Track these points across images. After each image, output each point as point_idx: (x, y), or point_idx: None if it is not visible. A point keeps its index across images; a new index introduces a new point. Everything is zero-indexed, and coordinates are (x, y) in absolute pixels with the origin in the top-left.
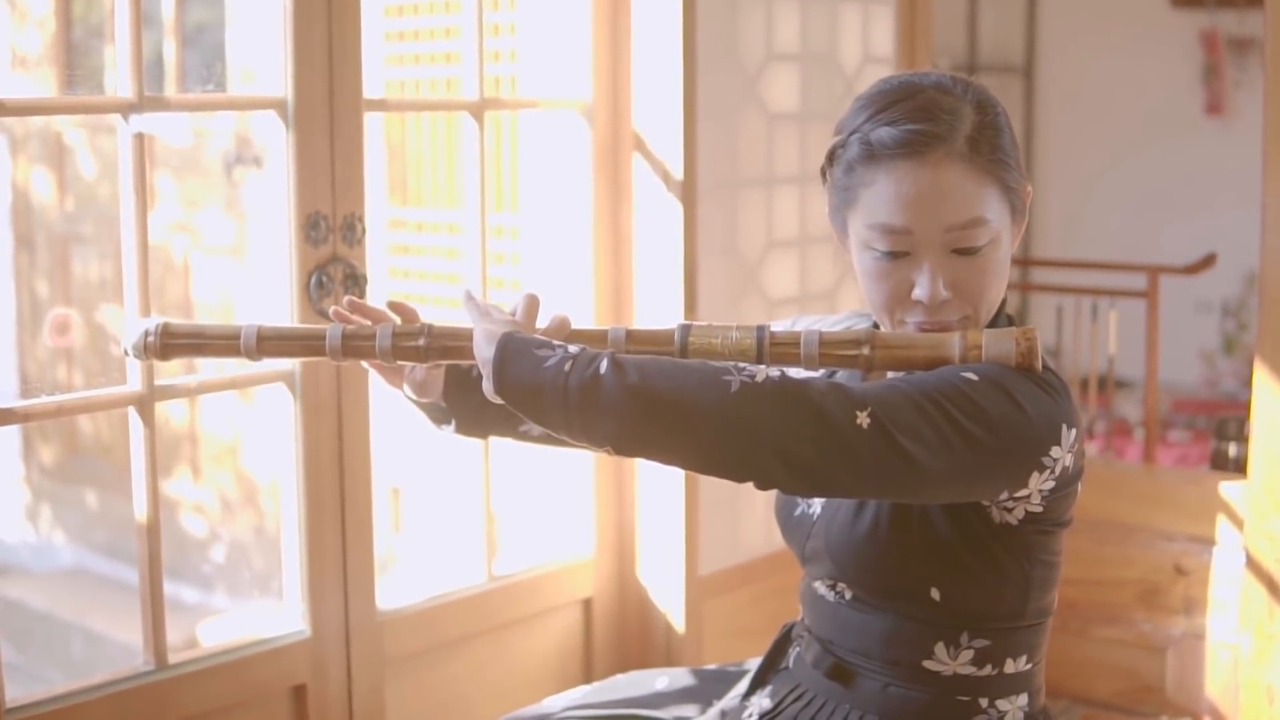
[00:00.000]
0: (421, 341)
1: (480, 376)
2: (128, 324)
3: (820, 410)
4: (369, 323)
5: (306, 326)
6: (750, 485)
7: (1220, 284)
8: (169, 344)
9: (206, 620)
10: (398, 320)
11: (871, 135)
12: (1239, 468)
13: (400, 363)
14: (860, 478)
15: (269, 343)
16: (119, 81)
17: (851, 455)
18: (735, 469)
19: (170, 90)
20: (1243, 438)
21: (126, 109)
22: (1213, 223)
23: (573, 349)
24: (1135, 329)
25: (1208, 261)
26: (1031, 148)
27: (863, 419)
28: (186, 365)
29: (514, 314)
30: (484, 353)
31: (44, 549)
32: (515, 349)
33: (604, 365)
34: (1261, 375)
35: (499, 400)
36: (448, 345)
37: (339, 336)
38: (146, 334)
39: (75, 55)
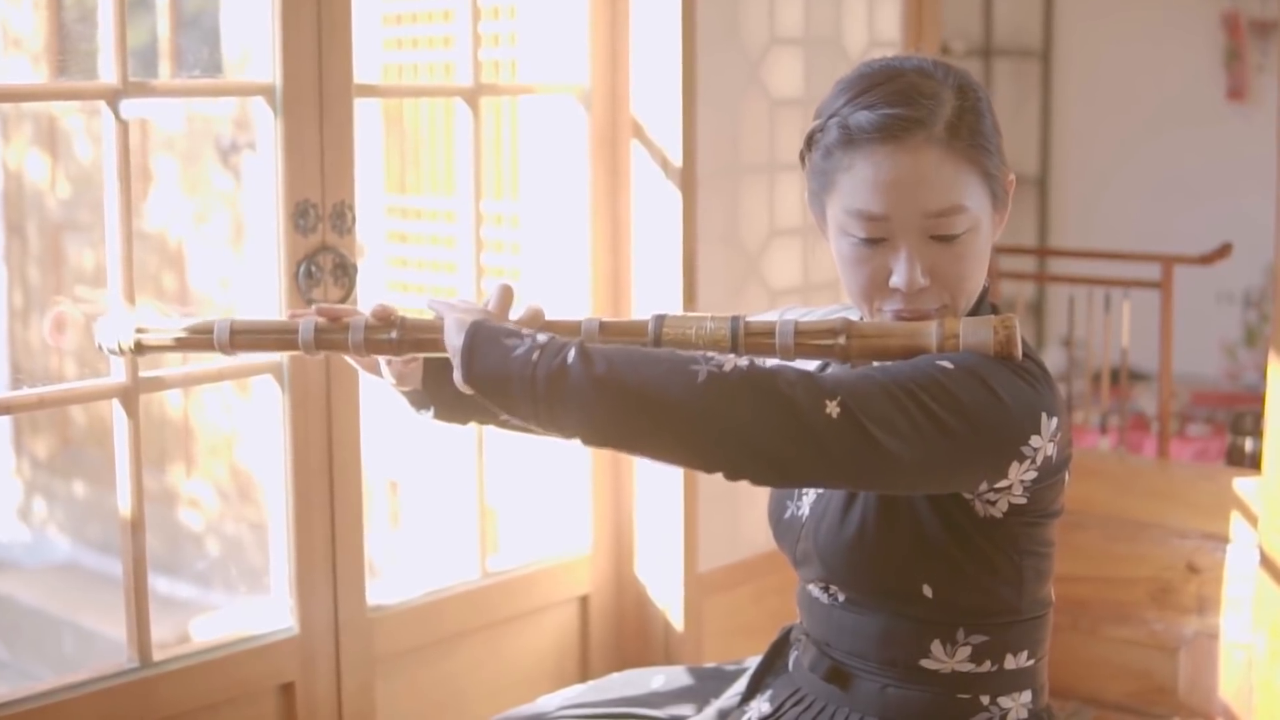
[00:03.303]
0: (394, 334)
1: None
2: (102, 321)
3: (788, 400)
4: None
5: (280, 320)
6: (720, 477)
7: (1242, 274)
8: (142, 341)
9: (200, 616)
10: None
11: (850, 119)
12: (1254, 463)
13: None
14: (830, 468)
15: (242, 337)
16: (103, 66)
17: (820, 445)
18: (703, 460)
19: (165, 75)
20: (1259, 432)
21: (111, 95)
22: (1235, 211)
23: (541, 338)
24: (1152, 320)
25: (1223, 251)
26: (1048, 133)
27: (832, 408)
28: (173, 356)
29: (487, 305)
30: (453, 341)
31: (36, 543)
32: (484, 338)
33: (571, 355)
34: (1276, 369)
35: (469, 390)
36: (420, 337)
37: (312, 330)
38: (119, 331)
39: (68, 40)
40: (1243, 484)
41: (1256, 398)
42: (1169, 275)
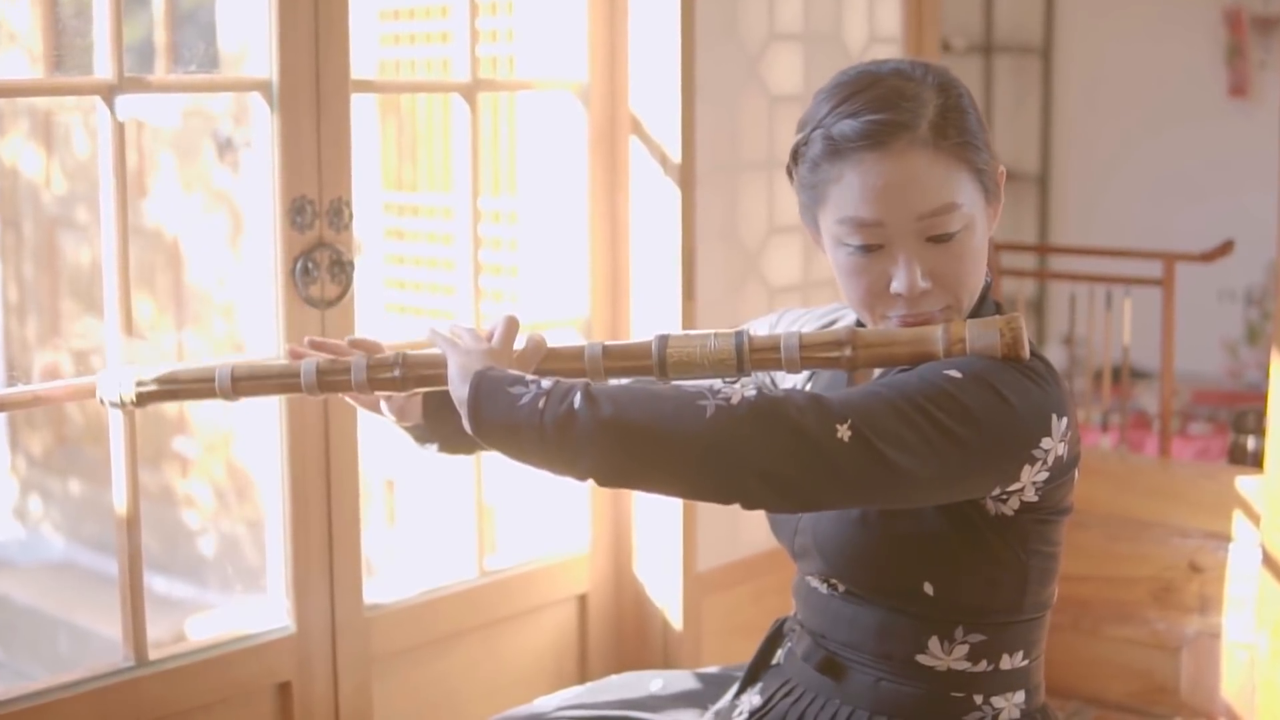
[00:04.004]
0: (397, 373)
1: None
2: (103, 375)
3: (798, 427)
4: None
5: (281, 364)
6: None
7: (1244, 271)
8: (144, 393)
9: (196, 615)
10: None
11: (834, 129)
12: (1257, 462)
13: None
14: (846, 491)
15: (244, 383)
16: (99, 61)
17: (834, 470)
18: (718, 493)
19: (160, 71)
20: (1261, 431)
21: (107, 90)
22: (1237, 208)
23: (546, 384)
24: (1153, 318)
25: (1225, 249)
26: (1049, 131)
27: (843, 432)
28: (169, 352)
29: (491, 335)
30: (459, 392)
31: (30, 542)
32: (488, 389)
33: (578, 399)
34: (1279, 366)
35: (478, 440)
36: (424, 374)
37: (314, 372)
38: (121, 384)
39: (64, 35)
40: (1245, 483)
41: (1258, 396)
42: (1170, 273)
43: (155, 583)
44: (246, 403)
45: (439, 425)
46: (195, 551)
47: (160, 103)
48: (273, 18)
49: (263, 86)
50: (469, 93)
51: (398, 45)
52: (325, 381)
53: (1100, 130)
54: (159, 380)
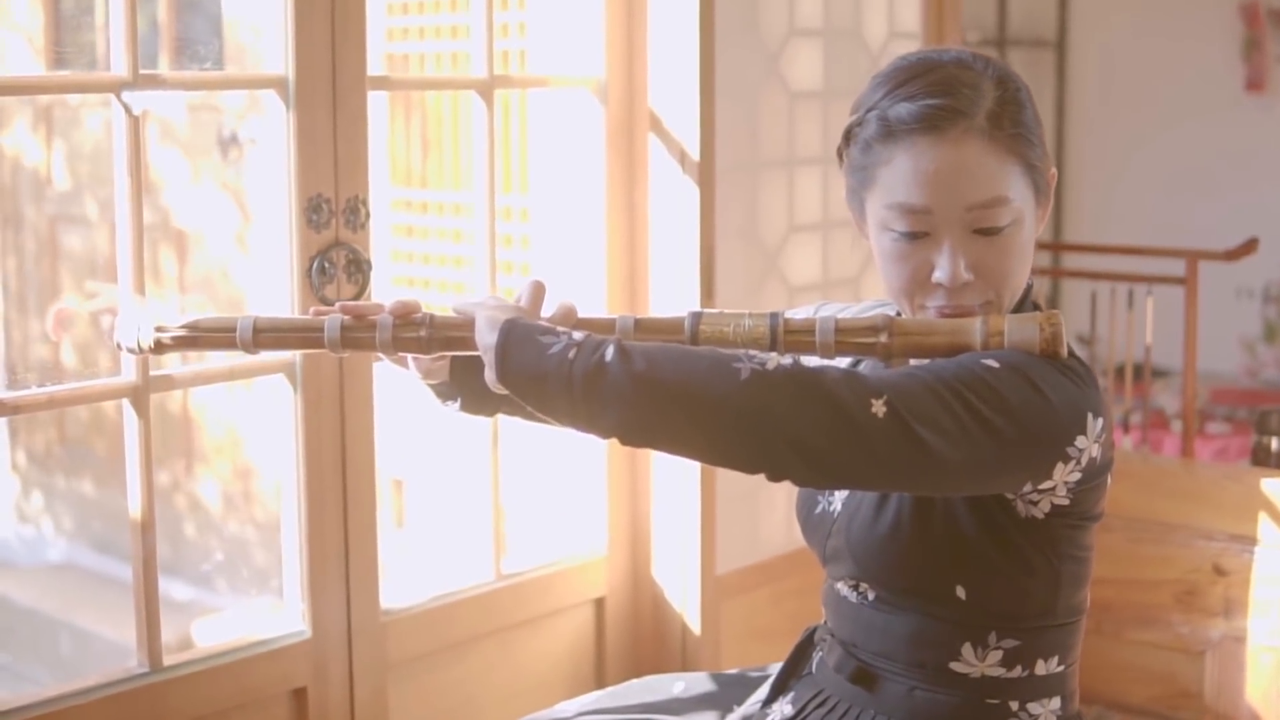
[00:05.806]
0: (424, 333)
1: None
2: (120, 319)
3: (834, 397)
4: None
5: (304, 318)
6: (763, 477)
7: (1262, 268)
8: (162, 339)
9: (201, 618)
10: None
11: (890, 111)
12: None
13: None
14: (876, 468)
15: (266, 335)
16: (112, 57)
17: (867, 444)
18: (745, 459)
19: (165, 64)
20: None
21: (119, 87)
22: (1253, 205)
23: (578, 335)
24: (1172, 316)
25: (1249, 247)
26: (1063, 125)
27: (878, 407)
28: (183, 355)
29: (518, 301)
30: (486, 339)
31: (32, 542)
32: (518, 336)
33: (610, 352)
34: None
35: (502, 390)
36: (451, 336)
37: (338, 328)
38: (140, 329)
39: (66, 30)
40: (1270, 485)
41: (1277, 395)
42: (1193, 271)
43: (160, 584)
44: (259, 402)
45: (465, 381)
46: (206, 554)
47: (165, 97)
48: (288, 15)
49: (278, 84)
50: (486, 90)
51: (406, 39)
52: (349, 339)
53: (1115, 125)
54: (180, 327)
